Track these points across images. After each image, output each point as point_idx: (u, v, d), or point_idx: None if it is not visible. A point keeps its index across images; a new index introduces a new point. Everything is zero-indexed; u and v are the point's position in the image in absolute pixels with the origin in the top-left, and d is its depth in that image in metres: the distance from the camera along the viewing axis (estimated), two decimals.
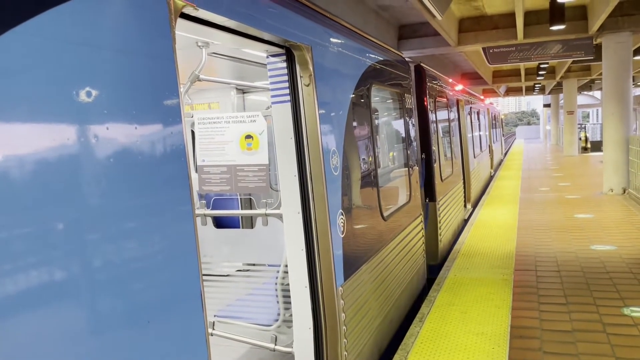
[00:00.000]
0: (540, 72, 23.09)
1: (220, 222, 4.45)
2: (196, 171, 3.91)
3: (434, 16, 9.76)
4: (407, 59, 6.89)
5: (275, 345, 3.88)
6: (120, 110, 1.81)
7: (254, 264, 4.25)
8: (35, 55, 1.52)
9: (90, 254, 1.67)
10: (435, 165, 8.07)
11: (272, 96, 3.41)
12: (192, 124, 4.02)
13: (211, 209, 4.34)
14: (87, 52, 1.69)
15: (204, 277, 2.19)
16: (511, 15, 13.27)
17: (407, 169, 6.22)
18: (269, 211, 3.91)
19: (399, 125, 6.47)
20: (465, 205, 11.39)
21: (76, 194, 1.63)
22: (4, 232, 1.41)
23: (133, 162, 1.85)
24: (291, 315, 3.43)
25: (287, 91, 3.36)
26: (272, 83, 3.40)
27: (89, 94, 1.68)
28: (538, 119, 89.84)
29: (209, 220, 4.33)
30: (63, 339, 1.56)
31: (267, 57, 3.33)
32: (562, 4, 11.26)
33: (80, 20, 1.67)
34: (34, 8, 1.52)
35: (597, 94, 45.57)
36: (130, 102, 1.86)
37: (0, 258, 1.40)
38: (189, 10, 2.26)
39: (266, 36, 3.03)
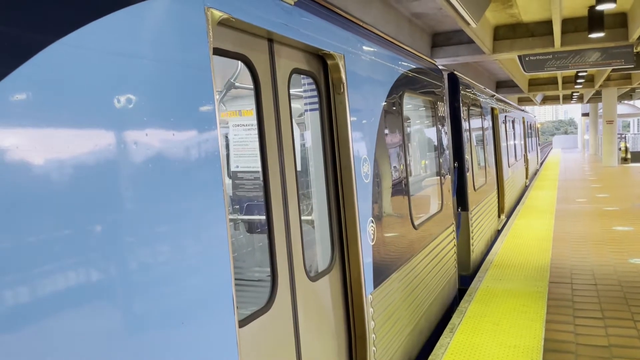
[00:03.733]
0: (578, 81, 22.55)
1: (252, 227, 4.50)
2: (229, 177, 3.98)
3: (468, 24, 9.68)
4: (440, 67, 6.86)
5: None
6: (159, 118, 1.87)
7: None
8: (80, 65, 1.59)
9: (129, 256, 1.73)
10: (468, 174, 7.98)
11: (306, 104, 3.46)
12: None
13: (244, 214, 4.40)
14: (128, 62, 1.76)
15: (235, 282, 2.24)
16: (548, 23, 13.03)
17: (439, 177, 6.18)
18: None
19: (431, 133, 6.44)
20: (499, 215, 11.20)
21: (116, 197, 1.69)
22: (47, 234, 1.48)
23: (171, 168, 1.91)
24: None
25: (322, 99, 3.39)
26: (305, 91, 3.44)
27: (129, 102, 1.75)
28: (576, 128, 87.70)
29: (242, 225, 4.39)
30: (98, 338, 1.61)
31: None
32: (601, 12, 11.01)
33: (121, 32, 1.74)
34: (79, 21, 1.60)
35: (638, 103, 44.22)
36: (169, 110, 1.92)
37: (42, 259, 1.46)
38: (225, 21, 2.32)
39: (300, 45, 3.08)
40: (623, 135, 37.16)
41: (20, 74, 1.42)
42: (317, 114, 3.41)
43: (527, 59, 15.34)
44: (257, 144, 2.77)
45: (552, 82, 27.33)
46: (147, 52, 1.84)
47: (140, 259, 1.77)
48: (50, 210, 1.48)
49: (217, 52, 2.37)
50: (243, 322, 2.45)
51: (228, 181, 3.93)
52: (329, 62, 3.38)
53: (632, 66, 15.10)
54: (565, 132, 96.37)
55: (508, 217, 12.28)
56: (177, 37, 2.00)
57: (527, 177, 19.34)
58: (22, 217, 1.41)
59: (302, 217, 3.09)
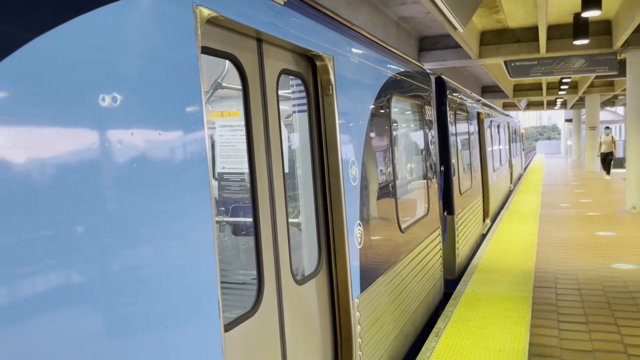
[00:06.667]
0: (562, 87, 22.83)
1: (238, 229, 4.45)
2: (215, 178, 3.92)
3: (455, 28, 9.73)
4: (427, 71, 6.87)
5: None
6: (145, 117, 1.82)
7: None
8: (64, 60, 1.54)
9: (113, 258, 1.68)
10: (454, 178, 8.01)
11: (294, 105, 3.42)
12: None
13: (230, 216, 4.35)
14: (114, 59, 1.71)
15: (221, 285, 2.19)
16: (534, 29, 13.17)
17: (425, 181, 6.18)
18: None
19: (418, 137, 6.44)
20: (483, 220, 11.27)
21: (100, 198, 1.64)
22: (29, 234, 1.43)
23: (156, 168, 1.86)
24: None
25: (310, 100, 3.36)
26: (294, 92, 3.41)
27: (115, 100, 1.70)
28: (559, 134, 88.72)
29: (227, 227, 4.34)
30: (80, 342, 1.56)
31: None
32: (586, 19, 11.15)
33: (107, 28, 1.69)
34: (63, 15, 1.55)
35: (621, 109, 44.91)
36: (155, 109, 1.87)
37: (23, 260, 1.41)
38: (214, 19, 2.28)
39: (289, 46, 3.04)
40: None
41: (1, 70, 1.36)
42: (305, 115, 3.38)
43: (512, 64, 15.48)
44: (244, 145, 2.72)
45: (537, 87, 27.65)
46: (134, 49, 1.80)
47: (124, 261, 1.72)
48: (32, 210, 1.43)
49: (206, 51, 2.32)
50: (229, 326, 2.40)
51: (214, 183, 3.88)
52: (318, 63, 3.35)
53: (616, 73, 15.32)
54: (549, 138, 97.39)
55: (493, 221, 12.36)
56: (165, 35, 1.95)
57: (511, 182, 19.50)
58: (3, 217, 1.36)
59: (289, 220, 3.05)
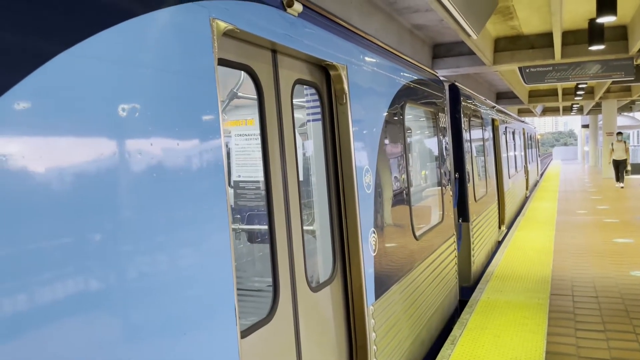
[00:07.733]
0: (578, 92, 22.62)
1: (253, 237, 4.50)
2: (231, 186, 3.98)
3: (469, 35, 9.73)
4: (441, 78, 6.88)
5: None
6: (164, 127, 1.88)
7: None
8: (87, 74, 1.60)
9: (132, 265, 1.72)
10: (469, 185, 7.98)
11: (309, 114, 3.47)
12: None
13: (245, 224, 4.40)
14: (134, 72, 1.77)
15: (237, 292, 2.23)
16: (548, 35, 13.10)
17: (440, 188, 6.18)
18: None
19: (432, 144, 6.45)
20: (499, 227, 11.19)
21: (121, 206, 1.69)
22: (53, 240, 1.48)
23: (174, 177, 1.91)
24: None
25: (324, 109, 3.40)
26: (308, 101, 3.45)
27: (135, 111, 1.75)
28: (575, 140, 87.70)
29: (243, 235, 4.38)
30: (99, 348, 1.61)
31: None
32: (602, 24, 11.07)
33: (128, 42, 1.75)
34: (86, 31, 1.61)
35: (638, 115, 44.33)
36: (174, 120, 1.93)
37: (46, 265, 1.46)
38: (230, 32, 2.34)
39: (303, 56, 3.09)
40: None
41: (29, 83, 1.42)
42: (319, 124, 3.42)
43: (527, 70, 15.40)
44: (259, 154, 2.77)
45: (552, 93, 27.43)
46: (153, 62, 1.85)
47: (143, 268, 1.76)
48: (56, 218, 1.48)
49: (222, 62, 2.38)
50: (245, 333, 2.43)
51: (230, 191, 3.93)
52: (332, 72, 3.40)
53: (632, 78, 15.17)
54: (565, 144, 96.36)
55: (508, 228, 12.26)
56: (183, 48, 2.01)
57: (527, 188, 19.33)
58: (30, 224, 1.41)
59: (304, 227, 3.08)
